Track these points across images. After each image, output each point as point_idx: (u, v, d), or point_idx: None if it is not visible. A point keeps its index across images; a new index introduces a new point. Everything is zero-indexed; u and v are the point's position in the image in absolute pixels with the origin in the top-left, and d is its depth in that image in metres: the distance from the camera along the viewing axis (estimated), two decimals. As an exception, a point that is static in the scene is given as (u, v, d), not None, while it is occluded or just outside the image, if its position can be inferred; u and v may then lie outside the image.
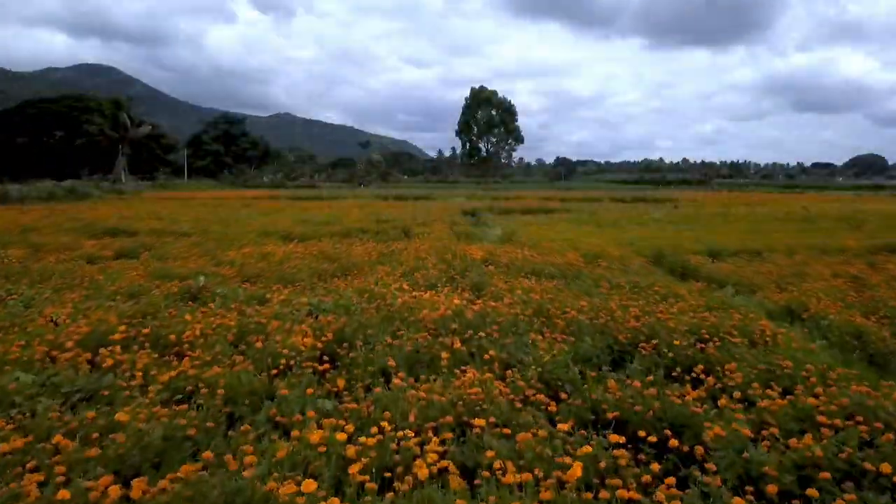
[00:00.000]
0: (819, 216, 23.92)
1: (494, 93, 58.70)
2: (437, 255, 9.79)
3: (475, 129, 59.13)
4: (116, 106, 45.06)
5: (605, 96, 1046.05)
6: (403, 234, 14.79)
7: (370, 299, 6.10)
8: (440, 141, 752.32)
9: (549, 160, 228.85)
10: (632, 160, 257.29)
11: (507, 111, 58.73)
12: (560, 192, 67.22)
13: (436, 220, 17.46)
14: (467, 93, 62.14)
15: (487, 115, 58.21)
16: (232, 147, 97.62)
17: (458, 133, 60.73)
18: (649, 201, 40.20)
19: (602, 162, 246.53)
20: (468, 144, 59.63)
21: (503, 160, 62.83)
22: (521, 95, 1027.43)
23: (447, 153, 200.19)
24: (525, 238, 14.95)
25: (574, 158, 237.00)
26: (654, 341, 4.66)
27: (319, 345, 4.41)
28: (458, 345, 4.32)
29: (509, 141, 60.05)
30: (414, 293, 6.46)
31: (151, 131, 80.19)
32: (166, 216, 18.86)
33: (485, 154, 59.44)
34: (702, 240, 15.52)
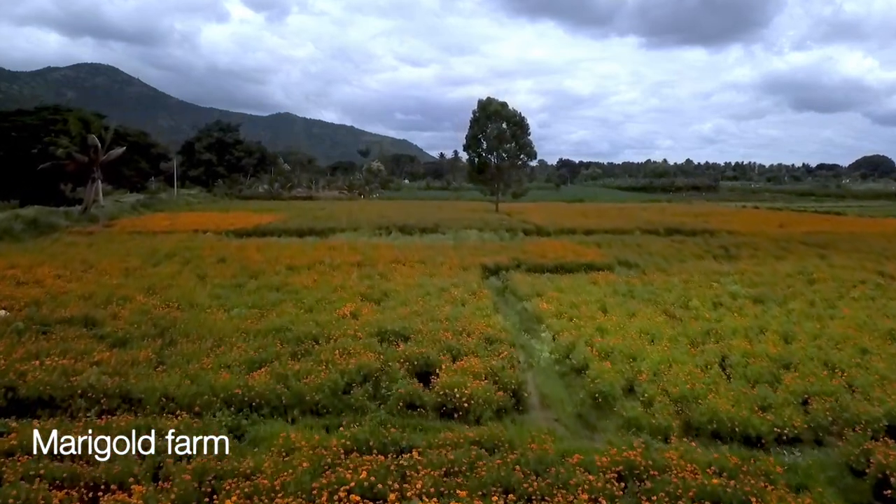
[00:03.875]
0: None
1: (504, 105, 54.03)
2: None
3: (484, 144, 54.37)
4: (85, 126, 39.98)
5: (604, 95, 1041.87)
6: (419, 381, 9.92)
7: None
8: (440, 140, 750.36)
9: (550, 160, 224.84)
10: (634, 160, 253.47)
11: (518, 125, 54.11)
12: (576, 206, 62.42)
13: (465, 331, 12.48)
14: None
15: (497, 128, 53.40)
16: (225, 156, 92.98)
17: (466, 148, 56.16)
18: (686, 233, 35.95)
19: (605, 163, 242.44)
20: (476, 160, 54.90)
21: (514, 178, 58.03)
22: (519, 94, 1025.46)
23: (448, 154, 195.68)
24: (597, 368, 10.13)
25: (576, 159, 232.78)
26: None
27: None
28: None
29: (521, 156, 55.30)
30: None
31: (142, 139, 75.27)
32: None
33: (494, 169, 54.70)
34: (858, 384, 10.29)
